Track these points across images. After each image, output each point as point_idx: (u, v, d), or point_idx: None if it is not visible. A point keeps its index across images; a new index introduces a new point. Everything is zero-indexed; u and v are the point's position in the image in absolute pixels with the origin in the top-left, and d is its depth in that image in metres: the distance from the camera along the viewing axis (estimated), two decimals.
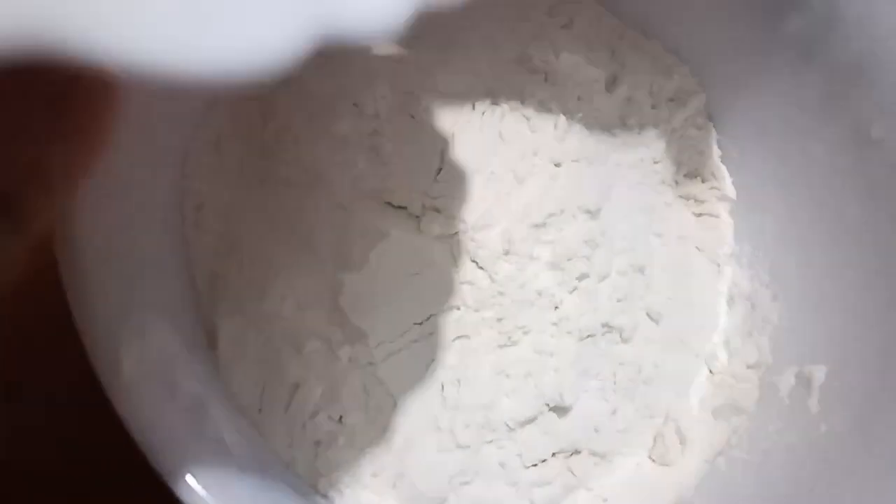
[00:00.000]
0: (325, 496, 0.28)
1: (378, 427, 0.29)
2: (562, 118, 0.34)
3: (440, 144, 0.32)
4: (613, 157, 0.35)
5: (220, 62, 0.11)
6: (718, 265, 0.37)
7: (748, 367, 0.35)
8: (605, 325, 0.32)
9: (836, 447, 0.29)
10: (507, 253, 0.31)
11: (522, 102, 0.34)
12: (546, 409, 0.31)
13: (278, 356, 0.28)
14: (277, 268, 0.29)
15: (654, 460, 0.33)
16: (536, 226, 0.31)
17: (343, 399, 0.29)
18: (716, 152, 0.38)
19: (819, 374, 0.31)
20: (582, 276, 0.32)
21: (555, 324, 0.31)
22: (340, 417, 0.28)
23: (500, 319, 0.30)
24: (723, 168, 0.38)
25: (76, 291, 0.20)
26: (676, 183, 0.38)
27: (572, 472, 0.31)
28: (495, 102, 0.33)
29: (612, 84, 0.36)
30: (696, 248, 0.37)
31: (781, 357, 0.34)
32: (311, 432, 0.28)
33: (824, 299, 0.33)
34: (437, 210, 0.31)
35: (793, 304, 0.35)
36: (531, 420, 0.30)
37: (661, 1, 0.36)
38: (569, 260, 0.32)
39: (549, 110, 0.34)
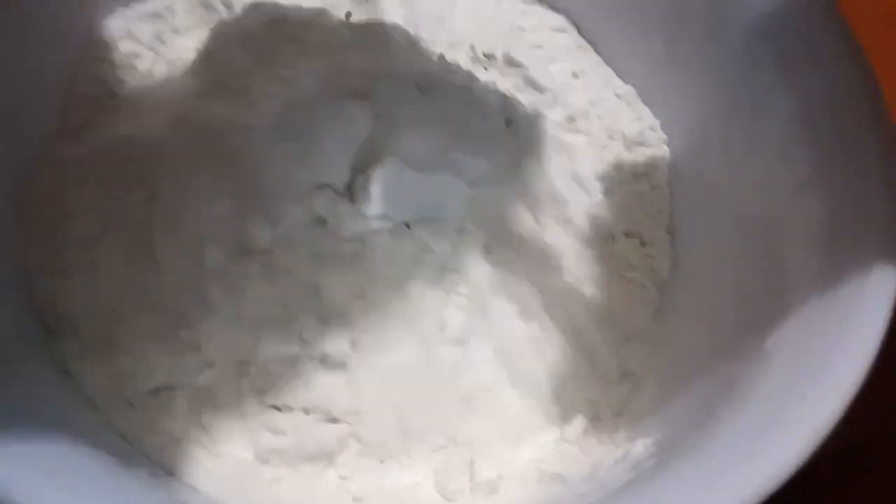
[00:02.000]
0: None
1: None
2: None
3: None
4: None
5: None
6: (627, 339, 0.31)
7: (599, 443, 0.28)
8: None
9: None
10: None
11: None
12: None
13: None
14: None
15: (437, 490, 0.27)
16: None
17: None
18: (665, 221, 0.33)
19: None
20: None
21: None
22: None
23: None
24: (667, 240, 0.33)
25: None
26: (613, 239, 0.33)
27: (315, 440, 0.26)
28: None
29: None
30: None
31: (634, 432, 0.27)
32: None
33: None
34: None
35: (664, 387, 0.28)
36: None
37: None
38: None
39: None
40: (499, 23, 0.34)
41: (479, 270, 0.29)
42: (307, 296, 0.27)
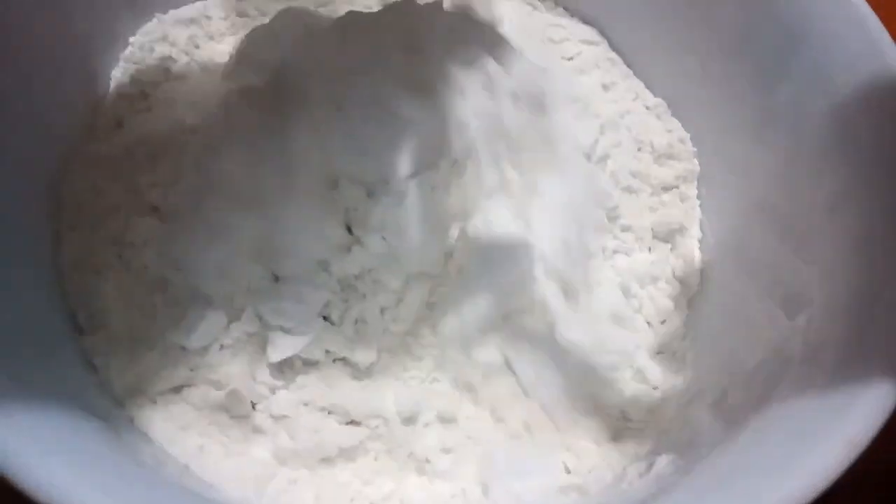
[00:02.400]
0: None
1: None
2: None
3: None
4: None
5: None
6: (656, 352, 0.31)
7: (622, 455, 0.28)
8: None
9: None
10: None
11: None
12: None
13: None
14: None
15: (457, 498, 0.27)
16: None
17: None
18: (695, 234, 0.33)
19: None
20: None
21: None
22: None
23: None
24: (697, 255, 0.33)
25: None
26: (642, 251, 0.33)
27: None
28: None
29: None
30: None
31: (658, 445, 0.27)
32: None
33: None
34: None
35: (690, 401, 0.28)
36: None
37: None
38: None
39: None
40: (529, 34, 0.34)
41: None
42: (332, 301, 0.27)
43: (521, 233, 0.27)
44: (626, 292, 0.31)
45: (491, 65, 0.28)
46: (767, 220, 0.29)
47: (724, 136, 0.32)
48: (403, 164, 0.26)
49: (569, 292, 0.28)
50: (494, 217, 0.27)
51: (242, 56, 0.31)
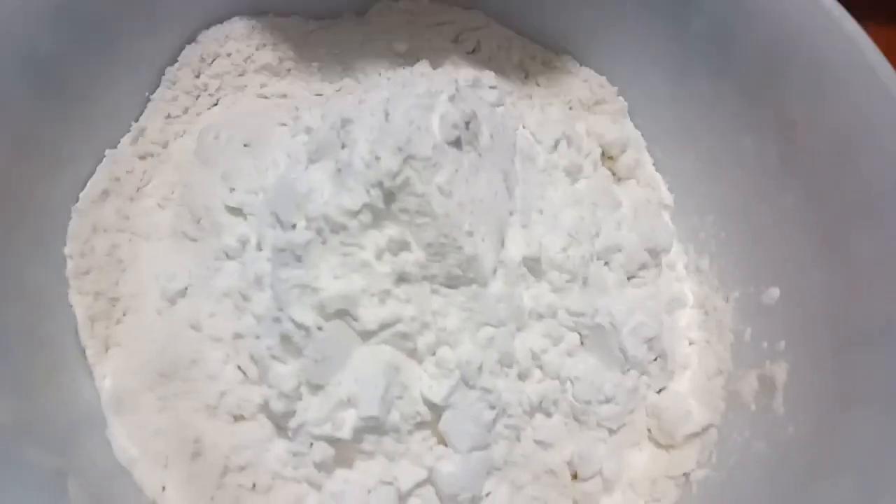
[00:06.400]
0: None
1: None
2: None
3: None
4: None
5: None
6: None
7: (709, 377, 0.28)
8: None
9: (804, 450, 0.22)
10: None
11: None
12: None
13: None
14: None
15: None
16: None
17: None
18: (648, 160, 0.33)
19: (781, 373, 0.24)
20: None
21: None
22: None
23: None
24: (657, 177, 0.33)
25: None
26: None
27: None
28: None
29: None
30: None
31: (741, 362, 0.27)
32: None
33: (782, 295, 0.26)
34: None
35: (746, 306, 0.28)
36: None
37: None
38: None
39: None
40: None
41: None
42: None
43: None
44: None
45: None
46: None
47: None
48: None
49: None
50: None
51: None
